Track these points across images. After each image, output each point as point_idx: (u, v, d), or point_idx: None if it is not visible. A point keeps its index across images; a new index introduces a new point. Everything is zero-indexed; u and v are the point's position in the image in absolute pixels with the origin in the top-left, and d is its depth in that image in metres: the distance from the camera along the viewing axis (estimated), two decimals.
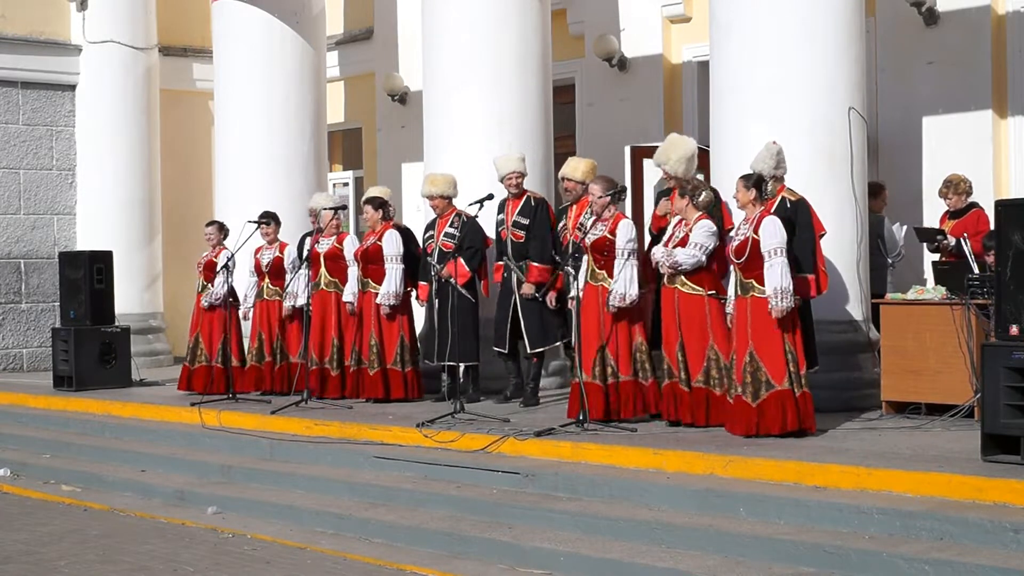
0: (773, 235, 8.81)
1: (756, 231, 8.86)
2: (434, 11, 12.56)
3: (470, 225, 11.39)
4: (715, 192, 9.69)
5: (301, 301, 12.32)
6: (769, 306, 8.75)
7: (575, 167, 10.79)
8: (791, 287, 8.78)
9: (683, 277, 9.33)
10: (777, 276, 8.75)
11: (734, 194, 9.20)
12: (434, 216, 11.76)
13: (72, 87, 16.98)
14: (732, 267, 9.04)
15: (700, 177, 10.04)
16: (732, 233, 9.15)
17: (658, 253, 9.43)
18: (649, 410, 9.82)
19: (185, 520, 9.41)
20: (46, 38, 16.83)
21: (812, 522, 7.28)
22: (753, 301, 8.88)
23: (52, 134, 16.90)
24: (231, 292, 12.74)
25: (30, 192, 16.74)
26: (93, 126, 16.91)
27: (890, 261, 11.57)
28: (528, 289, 11.09)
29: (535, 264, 11.15)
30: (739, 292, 9.00)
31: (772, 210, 9.17)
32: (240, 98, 14.88)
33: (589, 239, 9.86)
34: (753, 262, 8.87)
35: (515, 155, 11.56)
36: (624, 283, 9.63)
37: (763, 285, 8.83)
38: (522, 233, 11.29)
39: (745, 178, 9.09)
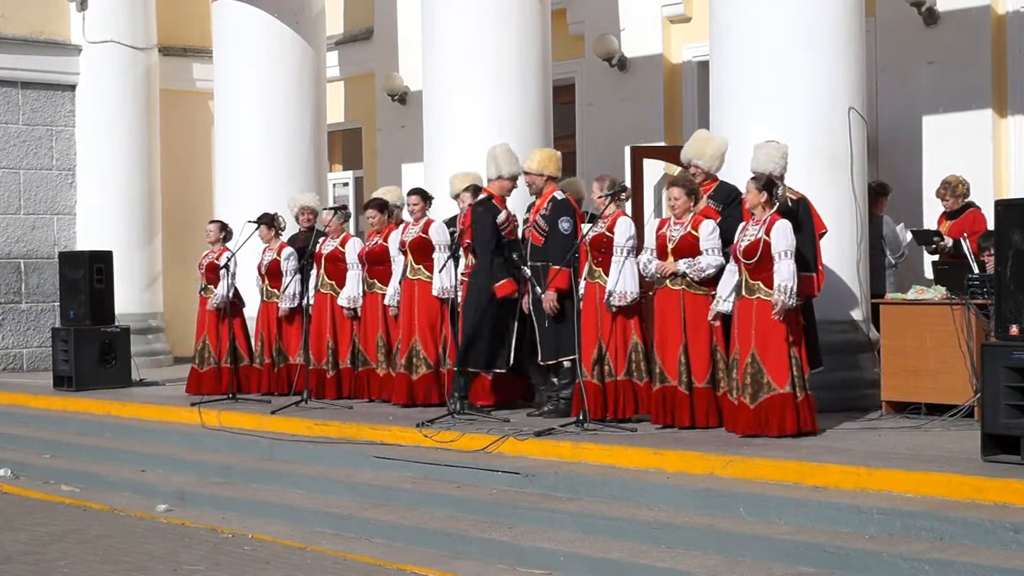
0: (784, 238, 8.79)
1: (768, 233, 8.83)
2: (434, 11, 12.55)
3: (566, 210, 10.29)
4: (735, 189, 9.64)
5: (297, 302, 12.32)
6: (774, 298, 8.74)
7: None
8: (795, 287, 8.77)
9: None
10: (785, 274, 8.74)
11: (744, 195, 9.18)
12: (532, 200, 10.64)
13: (72, 87, 16.97)
14: (738, 267, 9.00)
15: (720, 175, 10.01)
16: (738, 234, 9.09)
17: (682, 266, 9.27)
18: (640, 411, 9.78)
19: (185, 520, 9.41)
20: (46, 38, 16.83)
21: (812, 522, 7.28)
22: (759, 303, 8.84)
23: (52, 134, 16.90)
24: (235, 293, 12.74)
25: (30, 192, 16.73)
26: (93, 126, 16.89)
27: (893, 261, 11.57)
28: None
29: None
30: (744, 293, 8.96)
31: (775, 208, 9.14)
32: (240, 98, 14.88)
33: (588, 236, 9.84)
34: (763, 264, 8.82)
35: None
36: (624, 281, 9.63)
37: (769, 287, 8.81)
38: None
39: (756, 179, 9.02)
